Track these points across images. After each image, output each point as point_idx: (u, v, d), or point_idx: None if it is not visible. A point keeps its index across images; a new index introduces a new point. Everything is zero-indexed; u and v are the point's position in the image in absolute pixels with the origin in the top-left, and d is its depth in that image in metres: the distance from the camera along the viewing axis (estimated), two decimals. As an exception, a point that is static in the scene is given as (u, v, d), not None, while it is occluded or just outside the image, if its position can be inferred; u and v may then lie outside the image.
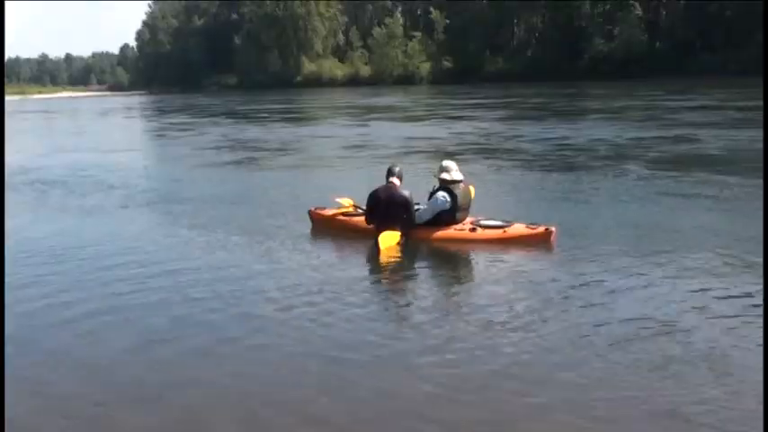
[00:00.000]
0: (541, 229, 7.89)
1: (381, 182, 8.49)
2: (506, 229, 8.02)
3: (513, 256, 7.51)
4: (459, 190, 8.20)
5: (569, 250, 7.57)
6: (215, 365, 4.96)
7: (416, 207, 8.36)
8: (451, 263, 7.64)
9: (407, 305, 6.19)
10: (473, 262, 7.61)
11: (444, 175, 8.28)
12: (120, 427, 4.19)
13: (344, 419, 4.21)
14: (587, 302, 5.92)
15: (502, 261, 7.37)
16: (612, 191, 11.24)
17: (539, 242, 7.81)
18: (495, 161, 15.73)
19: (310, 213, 9.25)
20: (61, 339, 5.55)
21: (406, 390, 4.51)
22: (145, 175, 15.59)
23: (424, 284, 6.96)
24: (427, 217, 8.22)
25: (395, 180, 8.36)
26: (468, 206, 8.37)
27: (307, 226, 9.16)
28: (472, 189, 8.47)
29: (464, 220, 8.29)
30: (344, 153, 19.08)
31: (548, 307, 5.84)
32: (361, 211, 8.69)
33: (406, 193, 8.21)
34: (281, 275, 7.05)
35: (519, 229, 8.00)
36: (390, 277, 7.23)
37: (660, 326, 5.32)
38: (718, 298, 5.93)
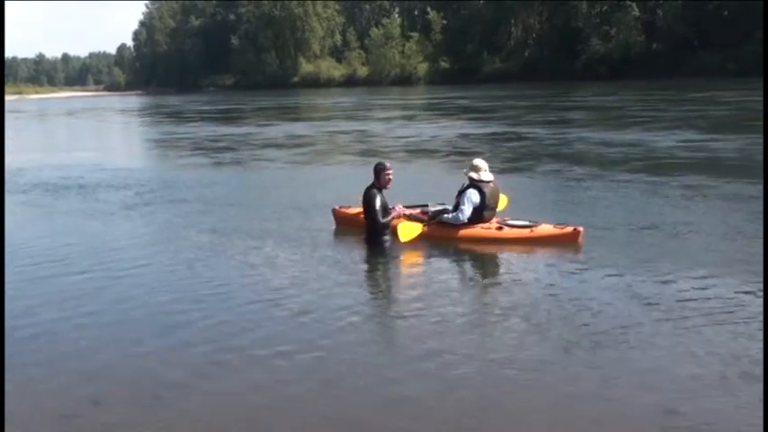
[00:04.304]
0: (569, 228, 7.87)
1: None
2: (534, 228, 8.01)
3: (541, 256, 7.50)
4: (487, 189, 8.20)
5: (597, 250, 7.54)
6: (217, 367, 4.93)
7: (443, 207, 8.37)
8: (479, 261, 7.64)
9: (434, 303, 6.13)
10: (500, 261, 7.60)
11: (473, 174, 8.27)
12: (118, 427, 4.17)
13: (369, 419, 4.21)
14: (615, 304, 5.88)
15: (529, 260, 7.39)
16: (628, 192, 11.19)
17: (566, 242, 7.79)
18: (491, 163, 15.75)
19: (334, 212, 9.20)
20: (61, 339, 5.54)
21: (430, 388, 4.51)
22: (138, 176, 15.56)
23: (451, 283, 6.91)
24: (469, 213, 8.15)
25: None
26: (496, 206, 8.36)
27: (330, 225, 9.16)
28: (504, 198, 8.51)
29: (491, 219, 8.29)
30: (346, 150, 19.16)
31: (574, 307, 5.83)
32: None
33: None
34: (306, 276, 7.02)
35: (546, 228, 7.99)
36: (416, 277, 7.24)
37: (682, 330, 5.29)
38: (736, 297, 5.92)
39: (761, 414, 3.78)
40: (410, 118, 31.79)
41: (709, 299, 5.92)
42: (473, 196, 8.14)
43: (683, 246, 7.75)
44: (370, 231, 8.10)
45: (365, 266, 7.62)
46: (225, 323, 5.76)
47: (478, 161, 8.42)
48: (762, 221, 7.95)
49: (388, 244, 8.05)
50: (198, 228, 9.43)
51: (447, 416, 4.17)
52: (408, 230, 8.00)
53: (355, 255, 7.91)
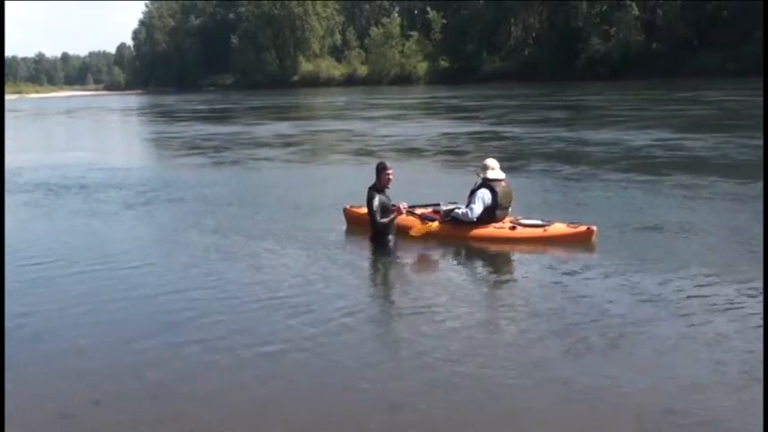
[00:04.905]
0: (583, 228, 7.86)
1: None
2: (546, 227, 7.99)
3: (554, 255, 7.47)
4: (500, 188, 8.18)
5: (609, 249, 7.52)
6: (217, 367, 4.92)
7: (456, 207, 8.35)
8: (491, 261, 7.60)
9: (443, 302, 6.12)
10: (513, 260, 7.59)
11: (485, 173, 8.24)
12: (118, 427, 4.16)
13: (370, 419, 4.19)
14: (626, 304, 5.87)
15: (542, 259, 7.36)
16: (629, 191, 11.17)
17: (580, 241, 7.77)
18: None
19: (345, 212, 9.16)
20: (61, 339, 5.53)
21: (434, 386, 4.51)
22: (138, 175, 15.56)
23: (462, 281, 6.89)
24: (479, 212, 8.13)
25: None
26: (508, 206, 8.33)
27: (329, 224, 9.14)
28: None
29: (503, 219, 8.26)
30: (337, 150, 19.21)
31: (585, 307, 5.81)
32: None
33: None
34: (309, 275, 6.99)
35: (559, 227, 7.98)
36: (426, 275, 7.21)
37: (689, 330, 5.28)
38: (741, 297, 5.90)
39: (761, 413, 3.77)
40: (403, 117, 32.08)
41: (715, 299, 5.89)
42: (485, 196, 8.11)
43: (690, 246, 7.72)
44: (373, 231, 8.10)
45: (371, 266, 7.59)
46: (226, 323, 5.74)
47: (490, 160, 8.39)
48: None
49: (392, 243, 8.03)
50: (199, 228, 9.40)
51: (449, 414, 4.15)
52: (419, 231, 8.09)
53: (360, 254, 7.88)
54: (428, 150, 18.54)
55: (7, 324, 5.42)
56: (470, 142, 20.16)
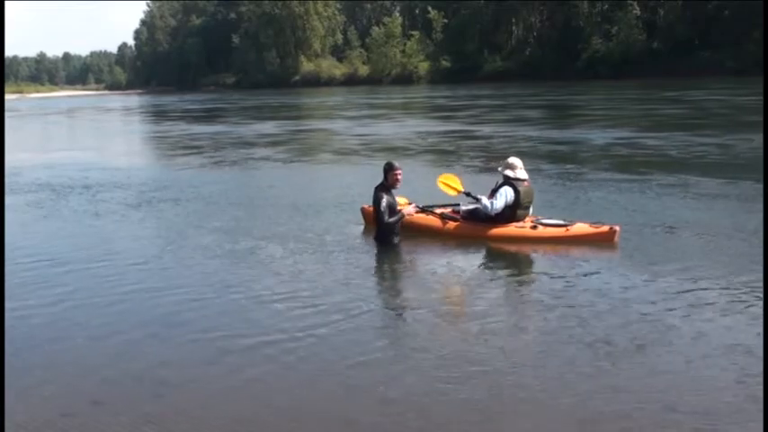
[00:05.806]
0: (605, 227, 7.82)
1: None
2: (569, 227, 7.96)
3: (576, 255, 7.43)
4: (522, 188, 8.15)
5: (633, 250, 7.48)
6: (218, 366, 4.92)
7: (475, 206, 8.32)
8: (512, 260, 7.56)
9: (462, 304, 6.11)
10: (534, 260, 7.55)
11: (508, 172, 8.21)
12: (118, 427, 4.16)
13: (376, 420, 4.19)
14: (644, 304, 5.82)
15: (564, 259, 7.32)
16: (633, 192, 11.12)
17: (602, 241, 7.74)
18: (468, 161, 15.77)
19: (363, 211, 9.12)
20: (61, 339, 5.52)
21: (440, 385, 4.50)
22: (139, 175, 15.57)
23: (481, 281, 6.82)
24: (500, 207, 8.07)
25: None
26: (529, 206, 8.30)
27: (333, 223, 9.15)
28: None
29: (524, 219, 8.23)
30: (335, 148, 19.25)
31: (603, 308, 5.77)
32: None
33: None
34: (314, 275, 6.97)
35: (582, 227, 7.94)
36: (446, 275, 7.13)
37: (702, 330, 5.25)
38: (754, 297, 5.85)
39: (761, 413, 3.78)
40: (389, 117, 32.28)
41: (729, 301, 5.85)
42: (508, 194, 8.07)
43: (710, 247, 7.63)
44: (380, 230, 8.08)
45: (381, 265, 7.52)
46: (230, 322, 5.73)
47: (513, 159, 8.34)
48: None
49: (397, 242, 8.01)
50: (202, 228, 9.38)
51: (456, 414, 4.15)
52: (449, 180, 8.30)
53: (368, 254, 7.83)
54: (411, 149, 18.58)
55: (8, 324, 5.42)
56: (454, 140, 20.39)
